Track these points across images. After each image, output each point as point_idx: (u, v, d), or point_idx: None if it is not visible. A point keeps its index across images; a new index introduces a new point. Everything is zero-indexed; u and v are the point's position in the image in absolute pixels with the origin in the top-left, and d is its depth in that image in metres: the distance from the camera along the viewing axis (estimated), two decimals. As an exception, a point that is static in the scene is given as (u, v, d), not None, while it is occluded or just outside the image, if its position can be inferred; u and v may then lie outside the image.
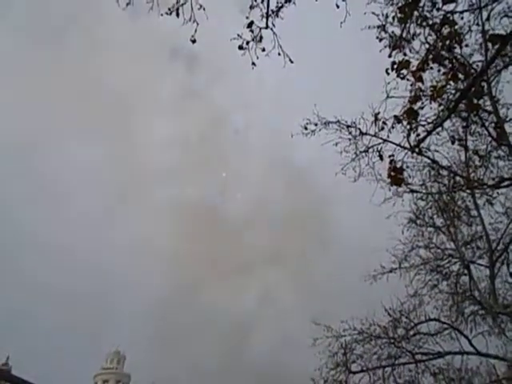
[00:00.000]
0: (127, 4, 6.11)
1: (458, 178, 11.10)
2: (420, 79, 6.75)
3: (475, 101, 7.04)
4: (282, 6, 6.72)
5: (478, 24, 8.38)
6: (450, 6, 7.00)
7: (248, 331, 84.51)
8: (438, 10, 7.27)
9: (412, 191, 11.74)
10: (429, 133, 7.62)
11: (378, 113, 8.33)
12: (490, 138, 9.96)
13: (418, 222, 12.88)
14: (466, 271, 12.20)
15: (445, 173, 11.27)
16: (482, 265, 12.27)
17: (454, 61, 7.43)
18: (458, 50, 7.95)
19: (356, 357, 12.12)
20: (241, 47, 6.61)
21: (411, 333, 11.77)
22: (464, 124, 9.68)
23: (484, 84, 8.06)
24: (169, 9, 6.30)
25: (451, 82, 7.43)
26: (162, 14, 6.25)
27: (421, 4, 7.15)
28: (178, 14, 6.26)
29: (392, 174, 7.00)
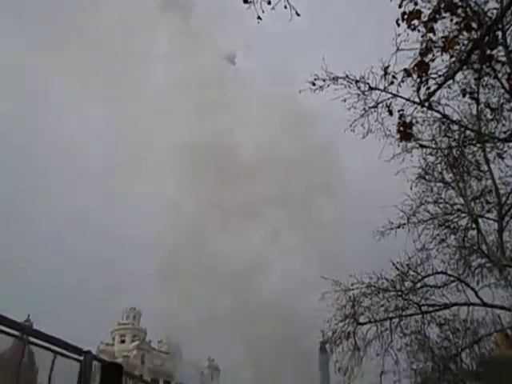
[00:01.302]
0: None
1: (468, 132, 10.96)
2: (431, 30, 6.55)
3: (488, 51, 6.84)
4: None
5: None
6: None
7: (256, 276, 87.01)
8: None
9: (421, 146, 11.65)
10: (439, 86, 7.47)
11: (388, 66, 8.12)
12: (502, 90, 9.72)
13: (427, 177, 12.86)
14: (474, 225, 12.28)
15: (455, 127, 11.13)
16: (490, 219, 12.34)
17: (468, 9, 7.15)
18: (472, -2, 7.63)
19: (364, 309, 12.50)
20: (246, 1, 6.41)
21: (418, 285, 12.04)
22: (476, 76, 9.42)
23: (498, 33, 7.77)
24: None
25: (464, 32, 7.17)
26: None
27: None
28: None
29: (401, 129, 6.94)
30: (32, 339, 8.75)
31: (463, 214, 12.76)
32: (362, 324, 12.41)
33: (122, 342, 73.94)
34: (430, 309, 12.31)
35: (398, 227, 13.07)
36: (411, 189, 12.62)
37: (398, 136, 7.35)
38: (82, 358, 9.76)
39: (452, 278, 12.12)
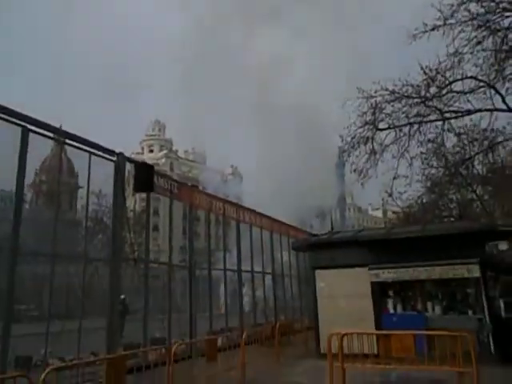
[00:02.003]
0: None
1: None
2: None
3: None
4: None
5: None
6: None
7: (277, 74, 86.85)
8: None
9: None
10: None
11: None
12: None
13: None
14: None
15: None
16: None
17: None
18: None
19: (385, 115, 12.52)
20: None
21: (444, 91, 11.71)
22: None
23: None
24: None
25: None
26: None
27: None
28: None
29: None
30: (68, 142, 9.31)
31: (508, 14, 11.50)
32: (381, 130, 12.59)
33: (151, 151, 78.76)
34: (453, 115, 12.22)
35: (433, 29, 12.00)
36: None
37: None
38: (115, 158, 10.55)
39: (481, 84, 11.65)
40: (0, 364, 7.11)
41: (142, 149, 79.23)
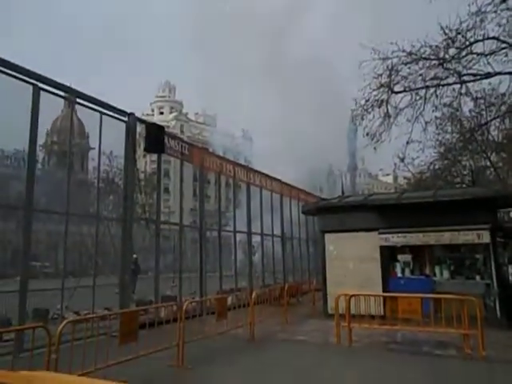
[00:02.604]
0: None
1: None
2: None
3: None
4: None
5: None
6: None
7: (288, 26, 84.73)
8: None
9: None
10: None
11: None
12: None
13: None
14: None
15: None
16: None
17: None
18: None
19: (400, 78, 12.16)
20: None
21: (464, 53, 11.28)
22: None
23: None
24: None
25: None
26: None
27: None
28: None
29: None
30: (79, 101, 9.25)
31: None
32: (397, 93, 12.27)
33: (161, 113, 78.18)
34: (471, 78, 11.83)
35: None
36: None
37: None
38: (126, 119, 10.49)
39: (503, 45, 11.17)
40: (19, 316, 7.39)
41: (152, 110, 78.68)
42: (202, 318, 9.25)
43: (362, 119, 12.42)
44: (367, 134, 12.14)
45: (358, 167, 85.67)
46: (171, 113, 77.31)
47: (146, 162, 54.56)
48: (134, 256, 17.37)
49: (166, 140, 11.36)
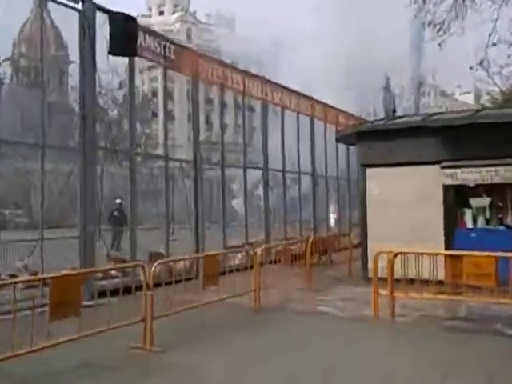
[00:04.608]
0: None
1: None
2: None
3: None
4: None
5: None
6: None
7: None
8: None
9: None
10: None
11: None
12: None
13: None
14: None
15: None
16: None
17: None
18: None
19: None
20: None
21: None
22: None
23: None
24: None
25: None
26: None
27: None
28: None
29: None
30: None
31: None
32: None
33: (161, 13, 76.29)
34: None
35: None
36: None
37: None
38: (79, 6, 9.84)
39: None
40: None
41: (150, 10, 76.75)
42: (194, 283, 8.96)
43: (424, 2, 11.31)
44: (429, 24, 11.11)
45: (424, 83, 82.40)
46: (174, 12, 75.19)
47: (143, 81, 53.95)
48: (118, 201, 17.23)
49: (140, 38, 10.74)
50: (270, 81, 16.34)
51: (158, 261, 7.12)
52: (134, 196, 10.86)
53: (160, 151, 14.54)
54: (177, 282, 7.36)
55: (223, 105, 14.17)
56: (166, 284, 7.30)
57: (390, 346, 6.79)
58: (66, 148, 13.45)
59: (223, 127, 14.16)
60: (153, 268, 6.65)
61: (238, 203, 16.50)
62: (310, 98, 18.21)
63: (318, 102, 18.77)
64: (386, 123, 12.42)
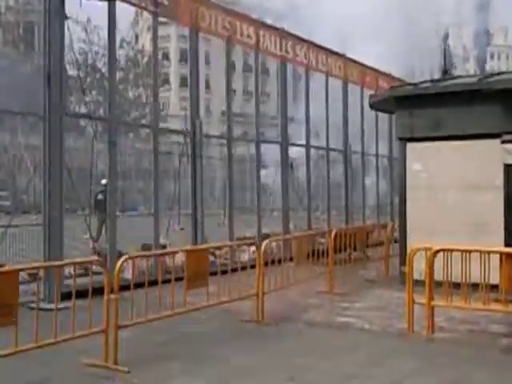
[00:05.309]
0: None
1: None
2: None
3: None
4: None
5: None
6: None
7: None
8: None
9: None
10: None
11: None
12: None
13: None
14: None
15: None
16: None
17: None
18: None
19: None
20: None
21: None
22: None
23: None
24: None
25: None
26: None
27: None
28: None
29: None
30: None
31: None
32: None
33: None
34: None
35: None
36: None
37: None
38: None
39: None
40: None
41: None
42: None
43: None
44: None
45: (490, 41, 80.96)
46: None
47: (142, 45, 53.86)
48: (103, 181, 17.04)
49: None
50: (290, 33, 16.05)
51: (124, 256, 6.75)
52: (114, 176, 10.81)
53: (175, 125, 14.52)
54: (165, 281, 7.17)
55: (228, 60, 13.60)
56: (151, 284, 7.09)
57: (424, 372, 6.35)
58: (27, 114, 13.54)
59: (230, 89, 13.72)
60: (118, 265, 6.30)
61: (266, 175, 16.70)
62: (341, 56, 17.98)
63: (351, 60, 18.58)
64: (433, 86, 12.12)
